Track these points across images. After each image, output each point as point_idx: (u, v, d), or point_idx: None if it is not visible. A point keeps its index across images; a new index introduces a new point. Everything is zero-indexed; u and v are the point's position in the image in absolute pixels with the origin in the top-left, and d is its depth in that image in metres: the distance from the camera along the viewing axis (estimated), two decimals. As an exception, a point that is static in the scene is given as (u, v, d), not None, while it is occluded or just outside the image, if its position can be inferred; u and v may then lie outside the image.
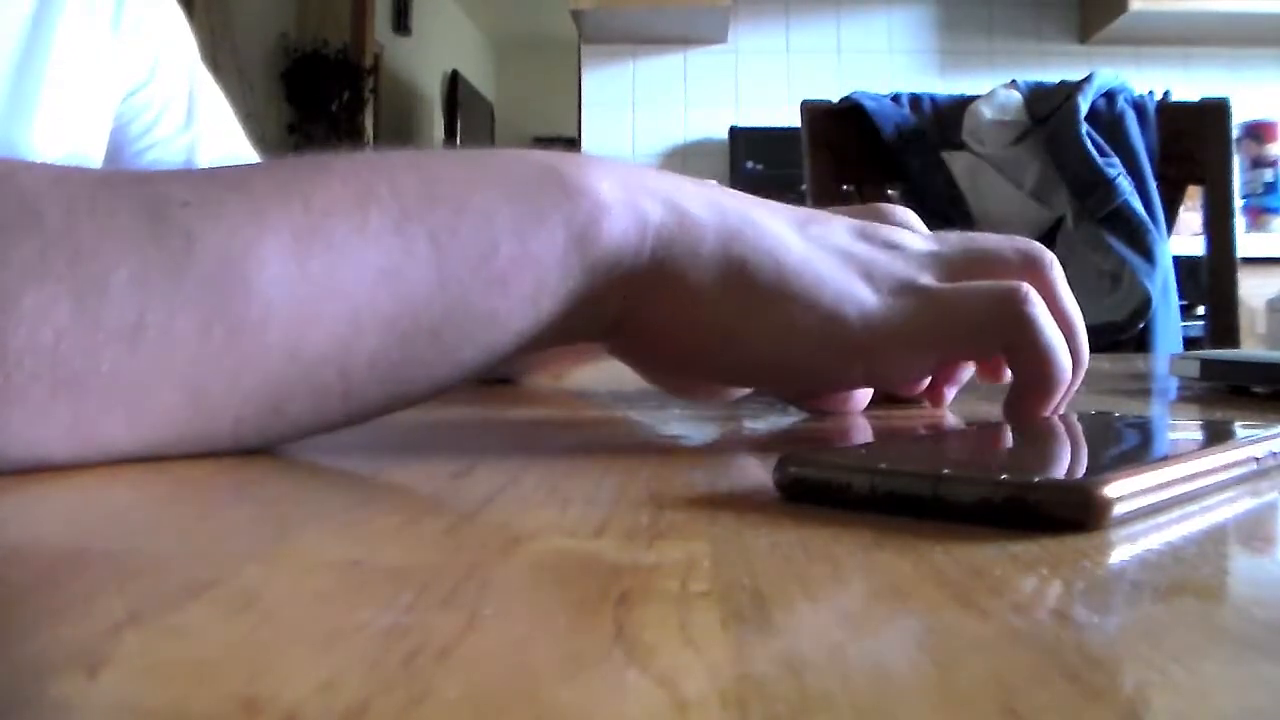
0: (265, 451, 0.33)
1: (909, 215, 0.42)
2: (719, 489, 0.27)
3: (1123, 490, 0.22)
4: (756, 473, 0.30)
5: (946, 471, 0.23)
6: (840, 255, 0.35)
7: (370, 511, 0.25)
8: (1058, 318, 0.36)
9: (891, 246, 0.37)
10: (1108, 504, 0.21)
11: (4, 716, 0.12)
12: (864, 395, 0.43)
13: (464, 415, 0.47)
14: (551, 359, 0.64)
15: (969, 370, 0.45)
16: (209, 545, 0.21)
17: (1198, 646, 0.15)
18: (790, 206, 0.37)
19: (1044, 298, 0.35)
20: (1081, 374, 0.37)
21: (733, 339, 0.35)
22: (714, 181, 0.38)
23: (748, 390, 0.41)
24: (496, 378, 0.62)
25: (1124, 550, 0.20)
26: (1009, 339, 0.35)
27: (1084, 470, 0.26)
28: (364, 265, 0.30)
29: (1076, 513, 0.21)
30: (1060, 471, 0.27)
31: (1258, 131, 2.47)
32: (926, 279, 0.36)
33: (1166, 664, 0.14)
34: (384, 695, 0.12)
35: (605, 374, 0.67)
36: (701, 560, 0.19)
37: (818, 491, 0.24)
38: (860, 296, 0.34)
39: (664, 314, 0.35)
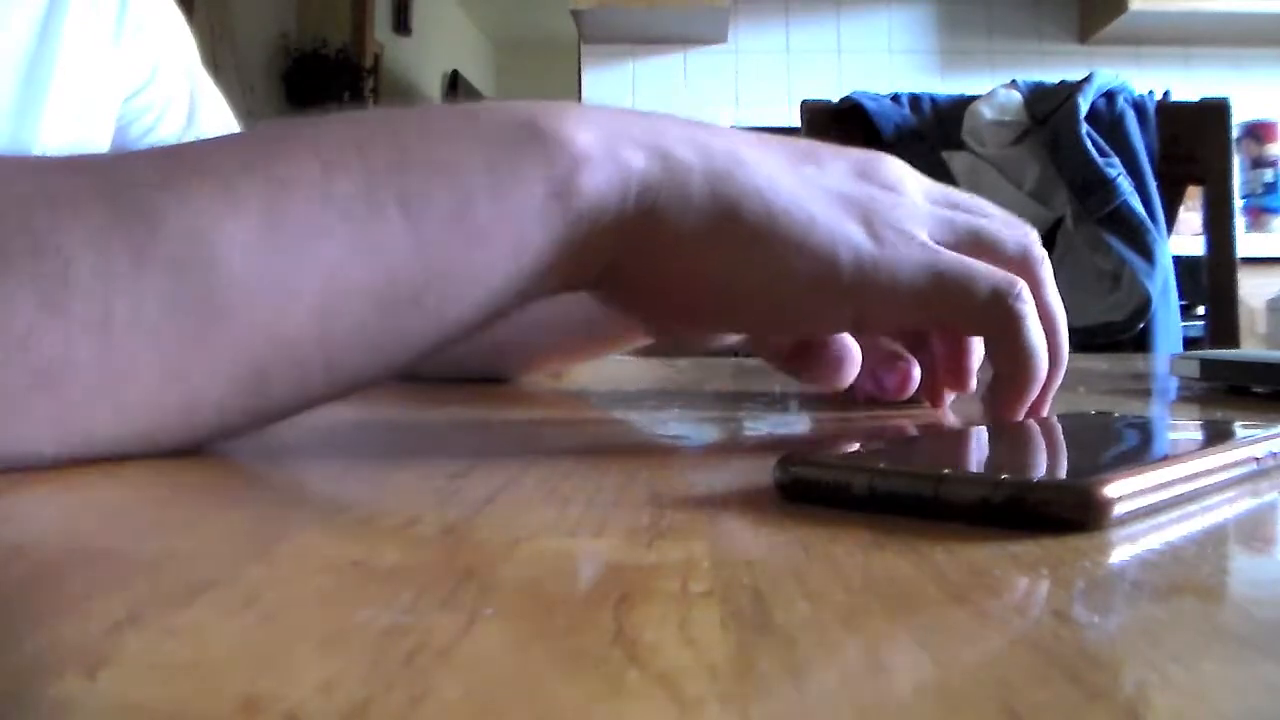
0: (264, 453, 0.33)
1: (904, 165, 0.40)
2: (719, 489, 0.27)
3: (1123, 490, 0.22)
4: (756, 473, 0.30)
5: (946, 471, 0.23)
6: (834, 196, 0.34)
7: (370, 511, 0.25)
8: (1042, 315, 0.36)
9: (891, 189, 0.36)
10: (1108, 504, 0.21)
11: (4, 716, 0.12)
12: (853, 366, 0.43)
13: (463, 415, 0.47)
14: (551, 357, 0.64)
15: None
16: (209, 545, 0.21)
17: (1198, 646, 0.15)
18: (785, 141, 0.36)
19: (1031, 294, 0.36)
20: (1060, 374, 0.37)
21: (723, 285, 0.34)
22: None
23: (734, 338, 0.41)
24: (495, 378, 0.62)
25: (1124, 550, 0.20)
26: (994, 329, 0.35)
27: (1084, 470, 0.26)
28: (334, 235, 0.30)
29: (1076, 513, 0.21)
30: (1060, 471, 0.27)
31: (1258, 131, 2.47)
32: (926, 237, 0.35)
33: (1166, 664, 0.14)
34: (384, 695, 0.12)
35: (605, 374, 0.67)
36: (701, 560, 0.19)
37: (818, 491, 0.24)
38: (854, 239, 0.34)
39: (652, 263, 0.34)
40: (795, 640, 0.15)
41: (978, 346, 0.42)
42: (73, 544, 0.21)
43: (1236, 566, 0.21)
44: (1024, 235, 0.38)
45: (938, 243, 0.35)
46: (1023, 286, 0.35)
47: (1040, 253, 0.38)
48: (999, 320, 0.35)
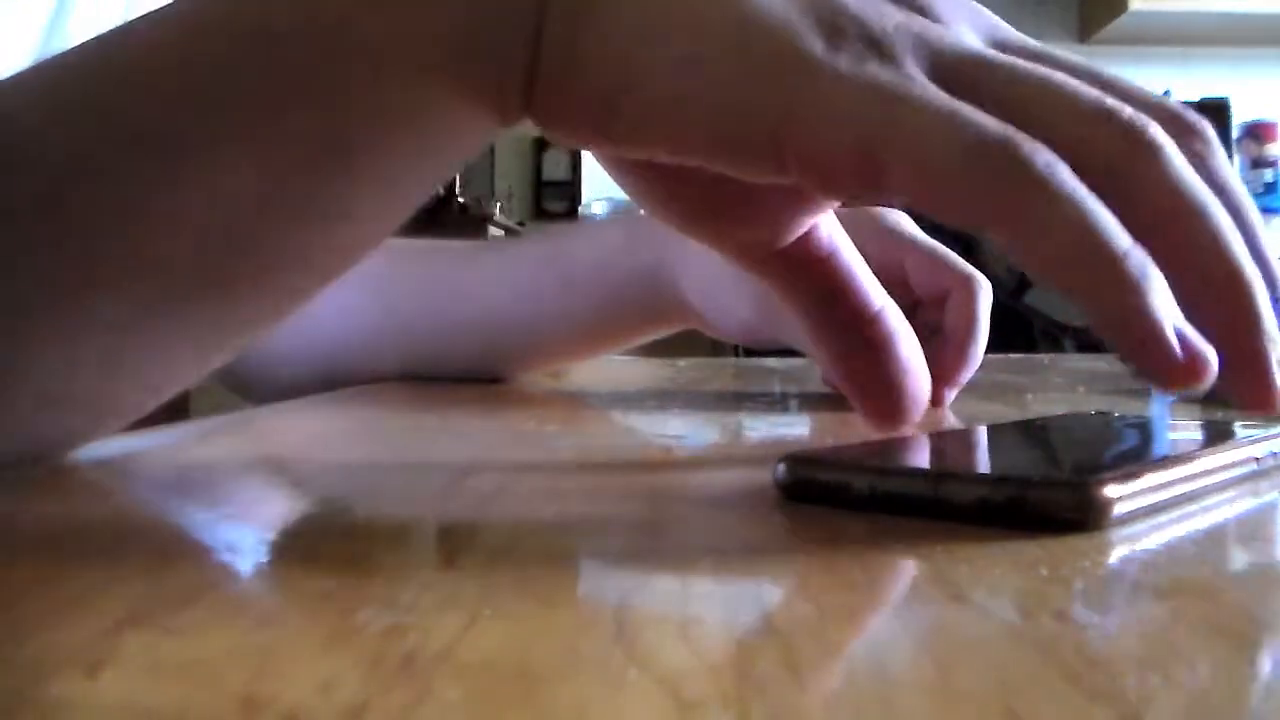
0: (264, 453, 0.33)
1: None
2: (719, 489, 0.27)
3: (1123, 490, 0.22)
4: (756, 473, 0.30)
5: (946, 471, 0.23)
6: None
7: (371, 512, 0.25)
8: (1186, 212, 0.22)
9: (916, 9, 0.25)
10: (1108, 504, 0.21)
11: (4, 716, 0.12)
12: (911, 409, 0.30)
13: (464, 415, 0.47)
14: (554, 355, 0.64)
15: (969, 371, 0.45)
16: (209, 545, 0.21)
17: (1198, 646, 0.15)
18: None
19: (1154, 192, 0.22)
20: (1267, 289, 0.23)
21: (640, 70, 0.25)
22: None
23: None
24: (495, 378, 0.62)
25: (1124, 550, 0.20)
26: (988, 206, 0.22)
27: (1084, 470, 0.26)
28: (192, 188, 0.27)
29: (1076, 513, 0.21)
30: (1060, 472, 0.27)
31: (1258, 131, 2.47)
32: (915, 70, 0.24)
33: (1166, 664, 0.14)
34: (384, 695, 0.12)
35: (605, 374, 0.67)
36: (701, 560, 0.19)
37: (818, 491, 0.24)
38: (804, 40, 0.24)
39: (578, 55, 0.25)
40: (795, 640, 0.15)
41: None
42: (73, 544, 0.21)
43: (1236, 566, 0.21)
44: (1134, 106, 0.23)
45: (941, 86, 0.23)
46: (1035, 148, 0.22)
47: (1163, 139, 0.23)
48: (992, 190, 0.22)
